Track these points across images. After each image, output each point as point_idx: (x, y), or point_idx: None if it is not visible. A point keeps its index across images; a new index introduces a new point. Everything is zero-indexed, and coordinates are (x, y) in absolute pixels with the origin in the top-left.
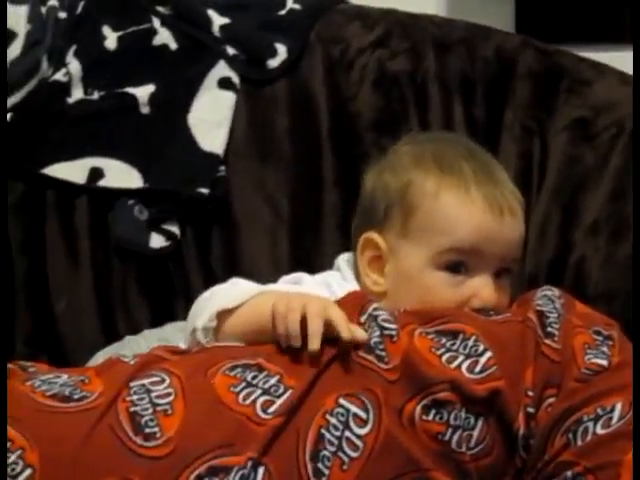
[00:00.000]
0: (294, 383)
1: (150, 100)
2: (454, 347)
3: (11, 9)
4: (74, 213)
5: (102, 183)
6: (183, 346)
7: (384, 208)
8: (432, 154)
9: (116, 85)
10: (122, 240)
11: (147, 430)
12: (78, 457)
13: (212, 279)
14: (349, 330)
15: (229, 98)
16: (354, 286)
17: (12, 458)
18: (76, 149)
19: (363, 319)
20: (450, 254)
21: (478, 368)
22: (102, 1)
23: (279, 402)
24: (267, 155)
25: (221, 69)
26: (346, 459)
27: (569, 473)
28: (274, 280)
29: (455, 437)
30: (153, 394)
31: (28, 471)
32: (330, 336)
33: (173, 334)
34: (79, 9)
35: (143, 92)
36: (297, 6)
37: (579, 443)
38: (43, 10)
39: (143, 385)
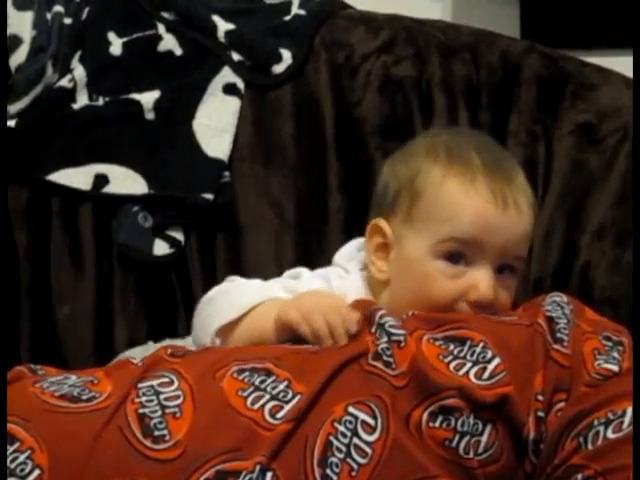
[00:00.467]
0: (303, 389)
1: (155, 106)
2: (462, 354)
3: (16, 15)
4: (78, 220)
5: (107, 189)
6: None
7: (393, 195)
8: (445, 144)
9: (121, 91)
10: (126, 247)
11: (156, 432)
12: (87, 458)
13: (215, 286)
14: (354, 321)
15: (234, 104)
16: (354, 279)
17: (21, 459)
18: (81, 156)
19: (373, 329)
20: (450, 243)
21: (486, 374)
22: (107, 7)
23: (287, 408)
24: (272, 160)
25: (226, 75)
26: (355, 466)
27: (579, 476)
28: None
29: (462, 443)
30: (162, 396)
31: (37, 472)
32: None
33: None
34: (84, 15)
35: (148, 98)
36: (302, 12)
37: (590, 447)
38: (48, 16)
39: (152, 386)
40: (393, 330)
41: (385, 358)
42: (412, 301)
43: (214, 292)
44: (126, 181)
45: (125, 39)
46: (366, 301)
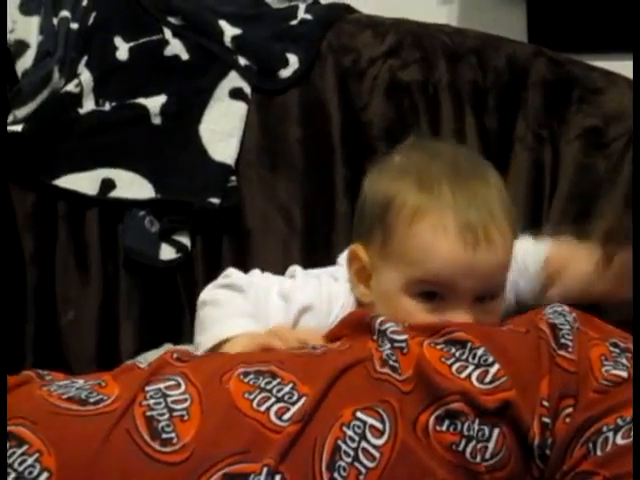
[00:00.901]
0: (308, 390)
1: (161, 111)
2: (463, 357)
3: (23, 20)
4: (84, 225)
5: (113, 194)
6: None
7: (368, 223)
8: (417, 169)
9: (127, 96)
10: (132, 252)
11: (164, 435)
12: (95, 461)
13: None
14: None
15: (241, 108)
16: (341, 286)
17: (29, 462)
18: (87, 160)
19: (375, 336)
20: (422, 285)
21: (488, 378)
22: (114, 12)
23: (294, 409)
24: (279, 165)
25: (233, 79)
26: (363, 469)
27: None
28: None
29: (469, 448)
30: (169, 399)
31: (45, 474)
32: None
33: None
34: (91, 20)
35: (154, 103)
36: (309, 16)
37: (599, 453)
38: (55, 21)
39: (159, 389)
40: (395, 336)
41: (391, 363)
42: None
43: (208, 298)
44: (133, 186)
45: (131, 44)
46: (358, 313)
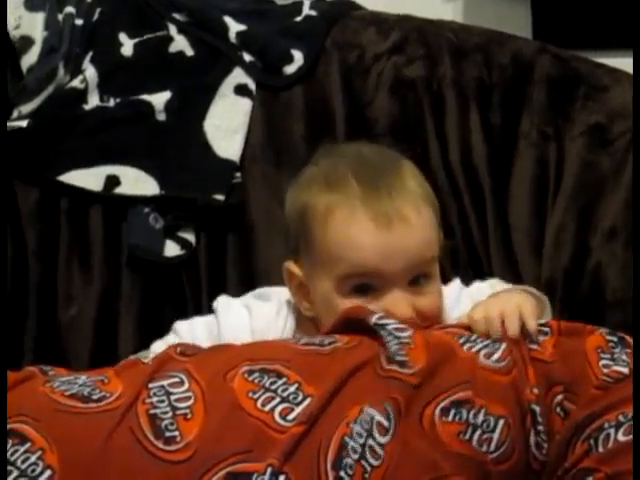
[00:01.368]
0: (313, 391)
1: (166, 107)
2: (472, 338)
3: (28, 16)
4: (88, 221)
5: (118, 191)
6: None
7: (293, 237)
8: (324, 173)
9: (132, 92)
10: (137, 248)
11: (167, 434)
12: (98, 459)
13: (225, 288)
14: None
15: (245, 105)
16: (272, 305)
17: (32, 459)
18: (92, 157)
19: (379, 333)
20: (351, 280)
21: (495, 357)
22: (118, 8)
23: (298, 410)
24: (283, 161)
25: (237, 76)
26: (368, 468)
27: (590, 479)
28: None
29: (476, 436)
30: (173, 397)
31: (48, 472)
32: None
33: None
34: (95, 16)
35: (159, 99)
36: (313, 12)
37: (600, 450)
38: (60, 17)
39: (162, 387)
40: (399, 333)
41: (399, 359)
42: None
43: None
44: (137, 182)
45: (136, 40)
46: (352, 310)
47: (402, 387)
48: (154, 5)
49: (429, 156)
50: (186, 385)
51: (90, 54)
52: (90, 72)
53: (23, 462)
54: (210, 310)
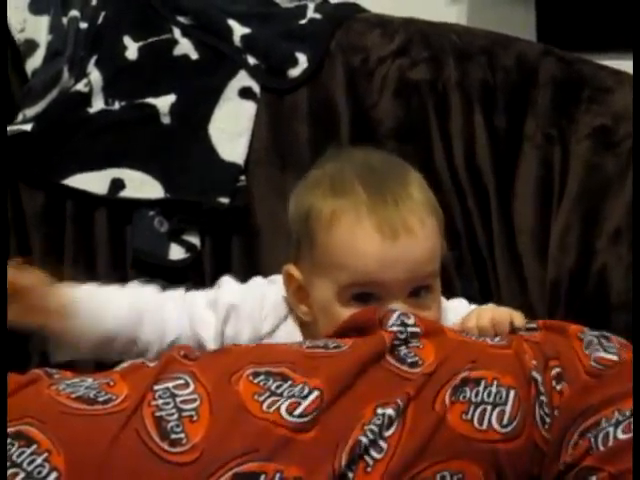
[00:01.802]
0: (320, 384)
1: (171, 110)
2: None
3: (32, 19)
4: (93, 225)
5: (123, 194)
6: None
7: (295, 240)
8: (330, 177)
9: (137, 95)
10: (141, 252)
11: (173, 436)
12: (104, 461)
13: None
14: None
15: (250, 108)
16: (274, 287)
17: (38, 461)
18: (97, 160)
19: (390, 328)
20: (353, 288)
21: (496, 340)
22: (123, 11)
23: (305, 404)
24: (288, 164)
25: (242, 79)
26: (370, 461)
27: (594, 479)
28: None
29: (477, 414)
30: (178, 399)
31: (54, 474)
32: None
33: None
34: (100, 19)
35: (164, 102)
36: (317, 15)
37: (601, 448)
38: (64, 20)
39: (167, 389)
40: (412, 329)
41: (410, 360)
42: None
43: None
44: (142, 185)
45: (141, 43)
46: (364, 314)
47: (416, 382)
48: (158, 8)
49: (434, 158)
50: (191, 387)
51: (95, 57)
52: (95, 75)
53: (29, 464)
54: None
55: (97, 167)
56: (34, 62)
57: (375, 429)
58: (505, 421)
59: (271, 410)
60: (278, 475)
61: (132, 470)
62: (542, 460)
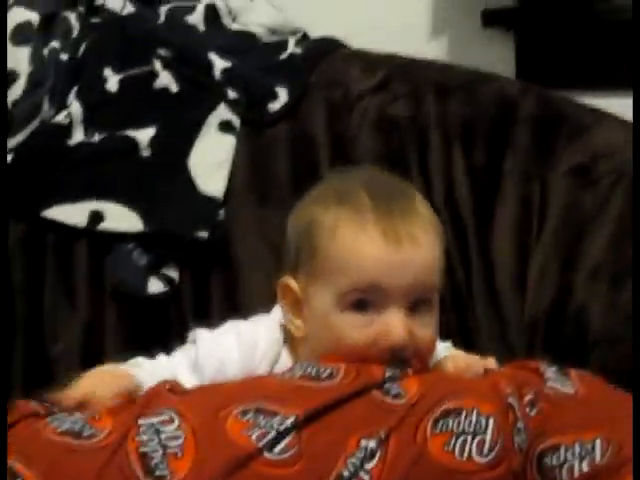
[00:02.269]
0: (301, 416)
1: (150, 143)
2: None
3: (13, 50)
4: (73, 256)
5: (102, 226)
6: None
7: (295, 251)
8: (334, 189)
9: (117, 127)
10: (120, 284)
11: (157, 472)
12: None
13: (209, 324)
14: None
15: (229, 141)
16: (259, 326)
17: None
18: (76, 192)
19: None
20: (352, 294)
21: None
22: (104, 43)
23: (287, 440)
24: (268, 198)
25: (222, 112)
26: None
27: None
28: None
29: (458, 444)
30: (163, 435)
31: None
32: None
33: None
34: (81, 51)
35: (144, 135)
36: (298, 50)
37: None
38: (45, 51)
39: (152, 424)
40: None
41: (394, 392)
42: (330, 354)
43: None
44: (121, 218)
45: (121, 75)
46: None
47: (400, 412)
48: (139, 40)
49: None
50: (176, 423)
51: (75, 89)
52: (75, 107)
53: None
54: None
55: (76, 199)
56: (14, 92)
57: (357, 462)
58: (485, 450)
59: (260, 444)
60: None
61: None
62: None
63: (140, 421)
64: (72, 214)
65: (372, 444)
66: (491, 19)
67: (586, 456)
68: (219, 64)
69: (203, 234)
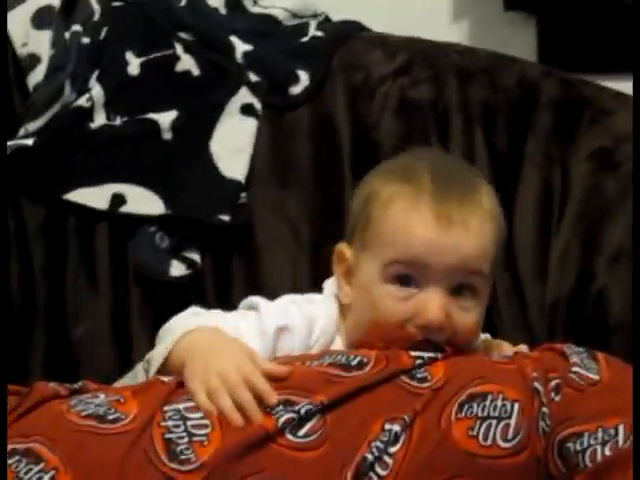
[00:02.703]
0: (326, 401)
1: (172, 126)
2: None
3: (35, 34)
4: (95, 239)
5: (124, 209)
6: None
7: (353, 219)
8: (401, 166)
9: (138, 111)
10: (142, 267)
11: (182, 457)
12: None
13: (231, 307)
14: (271, 394)
15: (251, 125)
16: (327, 304)
17: (45, 479)
18: (98, 175)
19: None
20: (396, 266)
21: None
22: (125, 27)
23: (310, 424)
24: (289, 181)
25: (243, 95)
26: (375, 478)
27: None
28: None
29: (482, 429)
30: (189, 422)
31: None
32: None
33: None
34: (102, 34)
35: (165, 118)
36: (319, 33)
37: (589, 465)
38: (67, 35)
39: (178, 410)
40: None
41: (420, 375)
42: (368, 324)
43: (172, 322)
44: (143, 201)
45: (143, 59)
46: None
47: (423, 397)
48: (161, 24)
49: None
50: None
51: (97, 73)
52: (96, 90)
53: None
54: None
55: (98, 182)
56: (36, 77)
57: (381, 445)
58: (510, 435)
59: (287, 434)
60: None
61: None
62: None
63: (166, 407)
64: (94, 197)
65: (396, 428)
66: (513, 3)
67: (609, 440)
68: (240, 47)
69: (225, 218)
